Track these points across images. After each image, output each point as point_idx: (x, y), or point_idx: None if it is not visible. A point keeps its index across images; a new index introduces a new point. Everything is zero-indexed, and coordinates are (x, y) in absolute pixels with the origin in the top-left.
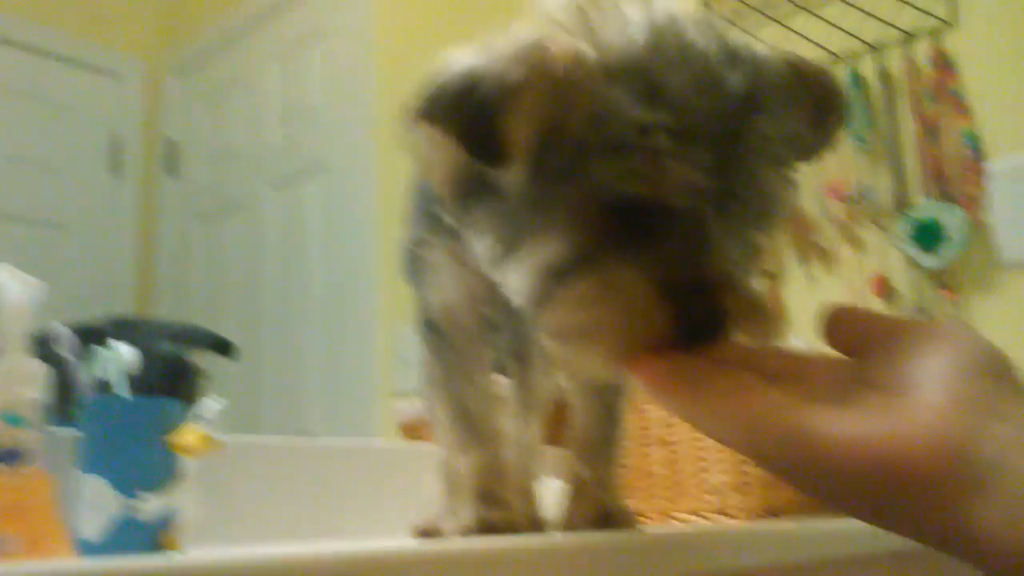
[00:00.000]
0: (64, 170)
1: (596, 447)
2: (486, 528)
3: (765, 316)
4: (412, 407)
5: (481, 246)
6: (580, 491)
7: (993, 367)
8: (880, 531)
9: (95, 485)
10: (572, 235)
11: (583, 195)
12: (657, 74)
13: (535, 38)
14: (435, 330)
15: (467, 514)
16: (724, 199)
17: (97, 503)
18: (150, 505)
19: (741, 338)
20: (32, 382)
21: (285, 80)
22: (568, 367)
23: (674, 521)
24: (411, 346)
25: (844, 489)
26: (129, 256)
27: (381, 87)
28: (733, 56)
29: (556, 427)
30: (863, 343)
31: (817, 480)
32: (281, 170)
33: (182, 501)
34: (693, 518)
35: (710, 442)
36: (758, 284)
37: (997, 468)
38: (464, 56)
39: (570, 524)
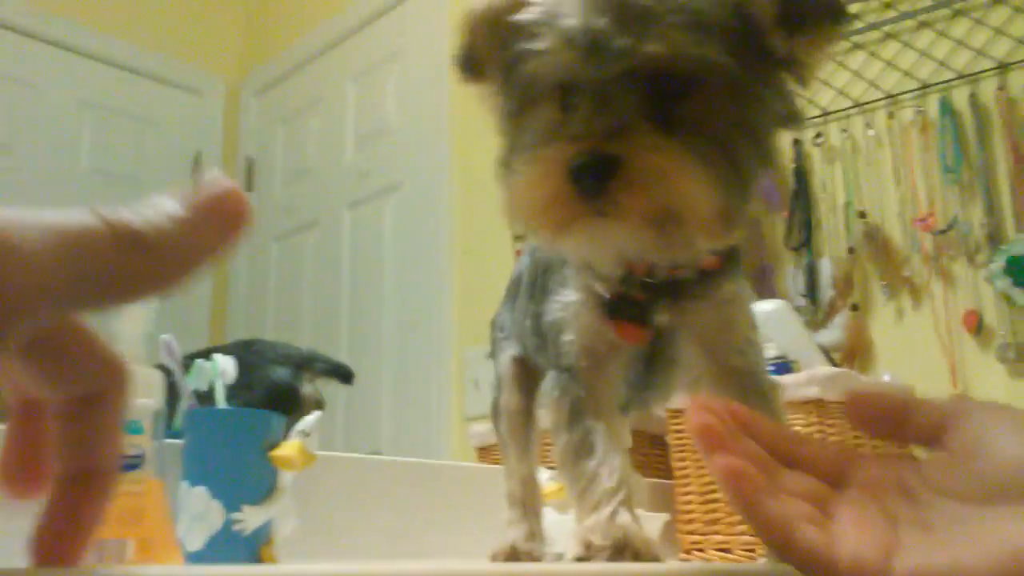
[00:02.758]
0: (148, 184)
1: None
2: (621, 550)
3: (663, 166)
4: (486, 430)
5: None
6: None
7: None
8: None
9: (199, 496)
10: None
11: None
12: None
13: None
14: (571, 373)
15: (595, 537)
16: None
17: (201, 514)
18: (252, 518)
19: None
20: (150, 390)
21: (361, 101)
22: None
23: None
24: (482, 371)
25: None
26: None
27: (455, 108)
28: None
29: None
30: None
31: None
32: (356, 189)
33: (280, 514)
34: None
35: None
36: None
37: None
38: None
39: None
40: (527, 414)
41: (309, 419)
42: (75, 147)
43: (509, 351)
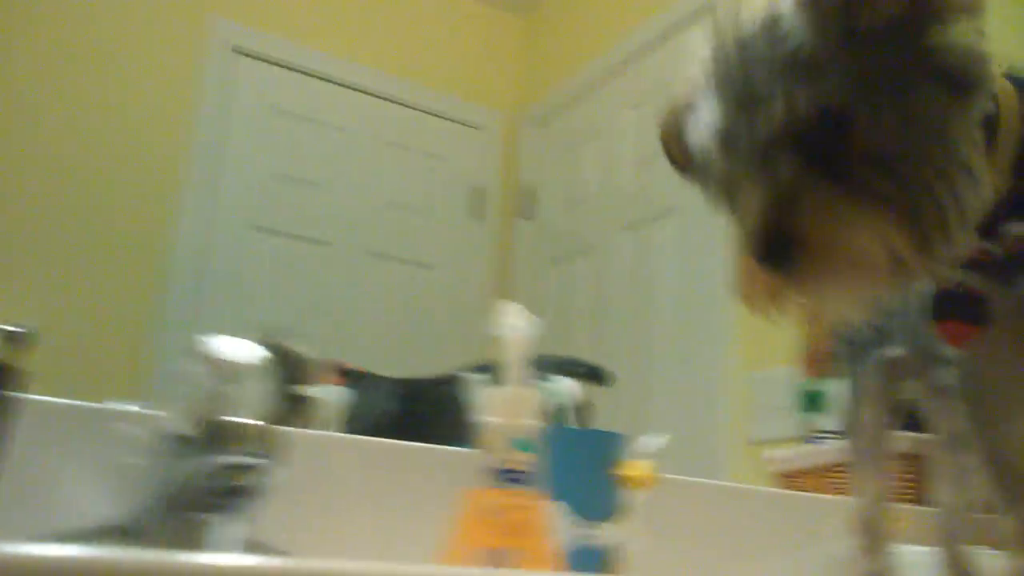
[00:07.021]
0: (430, 215)
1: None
2: None
3: (836, 225)
4: (789, 455)
5: None
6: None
7: None
8: None
9: (555, 510)
10: None
11: None
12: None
13: None
14: None
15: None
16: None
17: (557, 526)
18: (603, 533)
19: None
20: (533, 409)
21: (639, 127)
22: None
23: None
24: (771, 394)
25: None
26: (486, 294)
27: None
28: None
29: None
30: None
31: None
32: (632, 213)
33: (627, 533)
34: None
35: None
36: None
37: None
38: None
39: None
40: (886, 430)
41: (657, 442)
42: (374, 183)
43: (878, 353)
